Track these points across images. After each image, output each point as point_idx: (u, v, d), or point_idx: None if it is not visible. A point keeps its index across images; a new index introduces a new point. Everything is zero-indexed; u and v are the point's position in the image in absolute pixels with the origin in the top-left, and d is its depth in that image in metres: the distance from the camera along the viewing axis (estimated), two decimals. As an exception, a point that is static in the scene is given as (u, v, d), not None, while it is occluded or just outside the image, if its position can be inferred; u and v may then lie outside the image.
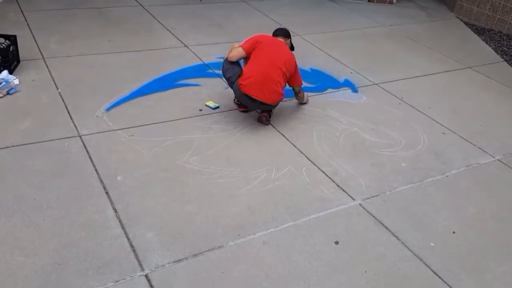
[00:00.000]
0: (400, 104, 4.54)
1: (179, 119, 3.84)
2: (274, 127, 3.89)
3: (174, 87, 4.32)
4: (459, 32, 6.93)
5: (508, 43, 6.55)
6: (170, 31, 5.55)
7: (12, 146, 3.28)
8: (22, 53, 4.37)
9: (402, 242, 2.88)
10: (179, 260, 2.55)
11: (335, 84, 4.79)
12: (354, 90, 4.72)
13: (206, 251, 2.63)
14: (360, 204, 3.15)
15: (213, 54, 5.03)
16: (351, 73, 5.07)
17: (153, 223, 2.77)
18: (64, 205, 2.82)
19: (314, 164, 3.48)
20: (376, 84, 4.90)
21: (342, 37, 6.11)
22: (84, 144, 3.38)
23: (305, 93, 4.24)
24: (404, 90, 4.82)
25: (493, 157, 3.87)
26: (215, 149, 3.51)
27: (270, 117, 3.89)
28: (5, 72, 3.97)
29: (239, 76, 3.71)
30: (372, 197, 3.23)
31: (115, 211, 2.83)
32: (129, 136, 3.54)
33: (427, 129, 4.14)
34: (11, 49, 4.22)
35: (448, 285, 2.63)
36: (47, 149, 3.30)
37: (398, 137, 3.96)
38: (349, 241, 2.83)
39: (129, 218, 2.79)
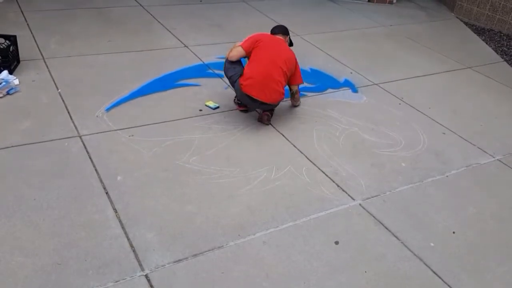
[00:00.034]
0: (400, 104, 4.54)
1: (179, 119, 3.84)
2: (274, 127, 3.89)
3: (174, 87, 4.32)
4: (459, 32, 6.93)
5: (508, 43, 6.55)
6: (170, 31, 5.55)
7: (12, 146, 3.28)
8: (22, 53, 4.37)
9: (402, 242, 2.88)
10: (179, 260, 2.55)
11: (335, 84, 4.79)
12: (354, 90, 4.72)
13: (206, 251, 2.63)
14: (360, 204, 3.15)
15: (213, 54, 5.03)
16: (351, 73, 5.07)
17: (153, 223, 2.78)
18: (64, 205, 2.82)
19: (314, 164, 3.48)
20: (376, 84, 4.90)
21: (342, 37, 6.11)
22: (84, 144, 3.38)
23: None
24: (404, 90, 4.82)
25: (493, 157, 3.87)
26: (215, 149, 3.51)
27: (271, 116, 3.89)
28: (5, 72, 3.97)
29: (240, 76, 3.71)
30: (372, 197, 3.23)
31: (115, 211, 2.83)
32: (129, 136, 3.54)
33: (427, 129, 4.14)
34: (11, 49, 4.22)
35: (448, 285, 2.63)
36: (47, 149, 3.30)
37: (398, 137, 3.96)
38: (349, 241, 2.83)
39: (129, 218, 2.79)
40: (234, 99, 4.08)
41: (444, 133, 4.13)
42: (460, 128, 4.22)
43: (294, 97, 4.10)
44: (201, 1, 6.75)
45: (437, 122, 4.28)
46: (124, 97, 4.03)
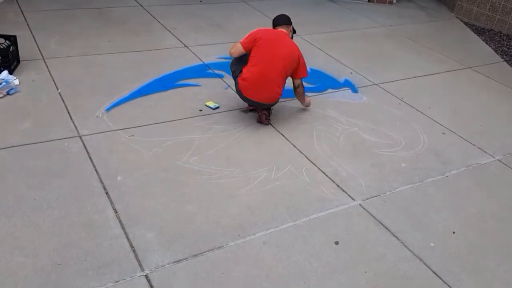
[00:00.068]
0: (400, 104, 4.54)
1: (179, 119, 3.84)
2: (274, 127, 3.89)
3: (174, 87, 4.32)
4: (459, 32, 6.93)
5: (508, 43, 6.55)
6: (170, 31, 5.55)
7: (12, 146, 3.28)
8: (22, 53, 4.37)
9: (402, 242, 2.88)
10: (179, 260, 2.55)
11: (335, 84, 4.79)
12: (354, 90, 4.72)
13: (206, 251, 2.63)
14: (360, 204, 3.15)
15: (213, 54, 5.03)
16: (351, 73, 5.07)
17: (153, 223, 2.77)
18: (64, 205, 2.82)
19: (314, 164, 3.48)
20: (376, 84, 4.90)
21: (342, 37, 6.11)
22: (84, 144, 3.38)
23: (307, 97, 4.14)
24: (404, 90, 4.82)
25: (493, 157, 3.86)
26: (215, 149, 3.51)
27: (269, 115, 3.88)
28: (5, 72, 3.97)
29: (240, 73, 3.74)
30: (372, 197, 3.23)
31: (115, 211, 2.83)
32: (129, 136, 3.54)
33: (427, 129, 4.14)
34: (11, 49, 4.22)
35: (448, 285, 2.62)
36: (47, 149, 3.30)
37: (398, 137, 3.96)
38: (349, 241, 2.83)
39: (129, 218, 2.79)
40: None
41: (444, 133, 4.13)
42: (460, 128, 4.22)
43: (296, 91, 3.95)
44: (201, 1, 6.75)
45: (437, 122, 4.28)
46: (124, 97, 4.03)
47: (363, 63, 5.32)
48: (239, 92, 3.79)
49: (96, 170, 3.14)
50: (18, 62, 4.32)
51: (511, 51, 6.29)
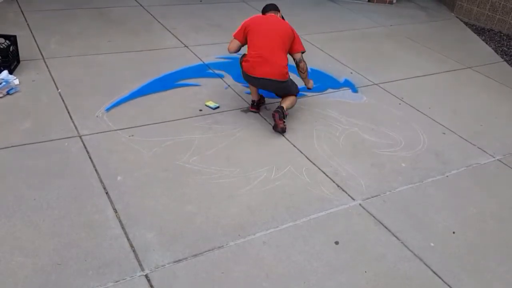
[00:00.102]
0: (400, 104, 4.55)
1: (179, 119, 3.84)
2: (274, 127, 3.89)
3: (174, 87, 4.32)
4: (459, 32, 6.93)
5: (508, 43, 6.55)
6: (170, 31, 5.55)
7: (12, 146, 3.28)
8: (22, 53, 4.37)
9: (402, 242, 2.88)
10: (179, 260, 2.55)
11: (335, 84, 4.79)
12: (354, 90, 4.72)
13: (206, 251, 2.63)
14: (360, 204, 3.15)
15: (213, 54, 5.03)
16: (351, 73, 5.07)
17: (153, 223, 2.77)
18: (64, 205, 2.82)
19: (314, 164, 3.48)
20: (376, 84, 4.90)
21: (342, 37, 6.11)
22: (84, 144, 3.38)
23: (310, 80, 4.14)
24: (404, 90, 4.82)
25: (493, 157, 3.87)
26: (215, 149, 3.51)
27: (285, 117, 3.77)
28: (5, 72, 3.97)
29: (243, 58, 3.79)
30: (372, 197, 3.23)
31: (115, 211, 2.83)
32: (129, 136, 3.54)
33: (427, 129, 4.14)
34: (11, 49, 4.22)
35: (448, 285, 2.63)
36: (47, 149, 3.30)
37: (398, 137, 3.96)
38: (349, 241, 2.83)
39: (129, 218, 2.79)
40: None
41: (444, 133, 4.13)
42: (460, 128, 4.22)
43: (299, 66, 3.92)
44: (201, 1, 6.76)
45: (437, 122, 4.28)
46: (124, 97, 4.03)
47: (363, 63, 5.32)
48: (245, 74, 3.79)
49: (96, 170, 3.14)
50: (18, 62, 4.32)
51: (511, 51, 6.29)
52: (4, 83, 3.88)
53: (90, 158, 3.25)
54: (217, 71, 4.70)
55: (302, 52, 3.91)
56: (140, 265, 2.50)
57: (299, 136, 3.80)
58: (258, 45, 3.72)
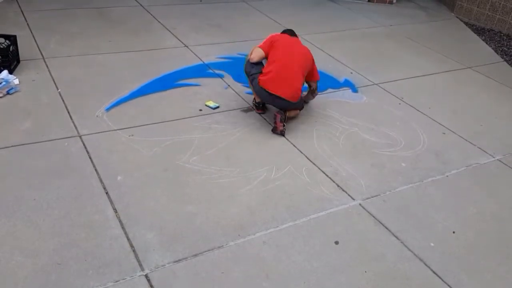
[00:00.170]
0: (400, 104, 4.55)
1: (179, 119, 3.84)
2: (274, 127, 3.88)
3: (174, 87, 4.32)
4: (459, 32, 6.93)
5: (508, 43, 6.55)
6: (170, 31, 5.55)
7: (12, 146, 3.28)
8: (22, 53, 4.37)
9: (402, 242, 2.88)
10: (179, 260, 2.55)
11: (335, 84, 4.79)
12: (354, 90, 4.72)
13: (206, 251, 2.63)
14: (360, 204, 3.15)
15: (213, 54, 5.03)
16: (351, 73, 5.07)
17: (153, 223, 2.77)
18: (64, 205, 2.82)
19: (314, 164, 3.48)
20: (376, 84, 4.90)
21: (342, 37, 6.11)
22: (84, 144, 3.38)
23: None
24: (404, 90, 4.82)
25: (493, 157, 3.87)
26: (215, 149, 3.51)
27: (285, 122, 3.80)
28: (5, 72, 3.97)
29: (260, 73, 3.78)
30: (372, 197, 3.23)
31: (115, 211, 2.83)
32: (129, 136, 3.54)
33: (427, 129, 4.14)
34: (11, 49, 4.22)
35: (448, 285, 2.63)
36: (47, 149, 3.30)
37: (398, 137, 3.96)
38: (349, 241, 2.83)
39: (129, 218, 2.79)
40: (253, 101, 4.09)
41: (444, 133, 4.13)
42: (460, 128, 4.22)
43: (312, 92, 4.17)
44: (201, 1, 6.76)
45: (437, 122, 4.28)
46: (124, 97, 4.03)
47: (363, 63, 5.32)
48: (260, 89, 3.76)
49: (96, 170, 3.14)
50: (18, 61, 4.32)
51: (511, 51, 6.29)
52: (4, 83, 3.88)
53: (90, 158, 3.25)
54: (217, 71, 4.70)
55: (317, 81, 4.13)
56: (140, 265, 2.50)
57: (299, 136, 3.80)
58: (281, 63, 3.73)
